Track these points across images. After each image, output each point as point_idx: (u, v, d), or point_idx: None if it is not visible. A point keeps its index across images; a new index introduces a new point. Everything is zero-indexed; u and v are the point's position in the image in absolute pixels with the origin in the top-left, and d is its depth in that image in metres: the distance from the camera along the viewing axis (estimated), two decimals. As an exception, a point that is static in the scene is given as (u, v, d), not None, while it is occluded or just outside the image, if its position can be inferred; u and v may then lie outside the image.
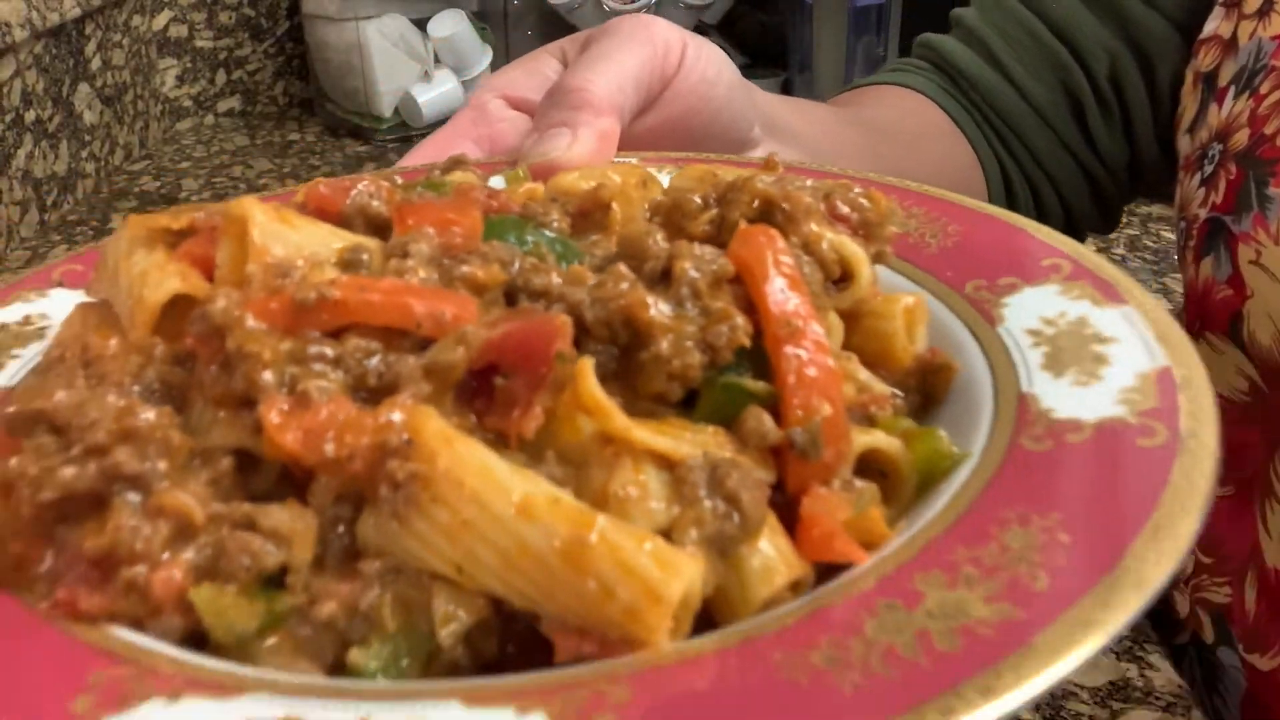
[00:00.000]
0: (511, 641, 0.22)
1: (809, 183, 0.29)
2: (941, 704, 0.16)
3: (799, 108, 0.56)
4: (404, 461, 0.21)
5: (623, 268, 0.25)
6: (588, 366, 0.22)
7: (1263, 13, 0.50)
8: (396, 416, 0.21)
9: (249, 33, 1.27)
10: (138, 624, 0.21)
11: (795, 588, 0.22)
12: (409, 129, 1.18)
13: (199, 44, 1.25)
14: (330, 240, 0.25)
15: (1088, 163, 0.63)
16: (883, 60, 1.04)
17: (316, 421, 0.21)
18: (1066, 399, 0.25)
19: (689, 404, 0.25)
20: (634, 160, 0.39)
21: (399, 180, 0.31)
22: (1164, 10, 0.58)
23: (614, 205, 0.29)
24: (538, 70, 0.44)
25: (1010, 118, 0.63)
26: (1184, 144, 0.54)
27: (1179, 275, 0.84)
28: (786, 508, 0.24)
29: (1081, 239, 0.68)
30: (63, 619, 0.20)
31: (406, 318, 0.23)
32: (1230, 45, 0.52)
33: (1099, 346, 0.26)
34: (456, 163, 0.34)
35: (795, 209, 0.27)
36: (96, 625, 0.20)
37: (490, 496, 0.21)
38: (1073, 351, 0.26)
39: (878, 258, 0.30)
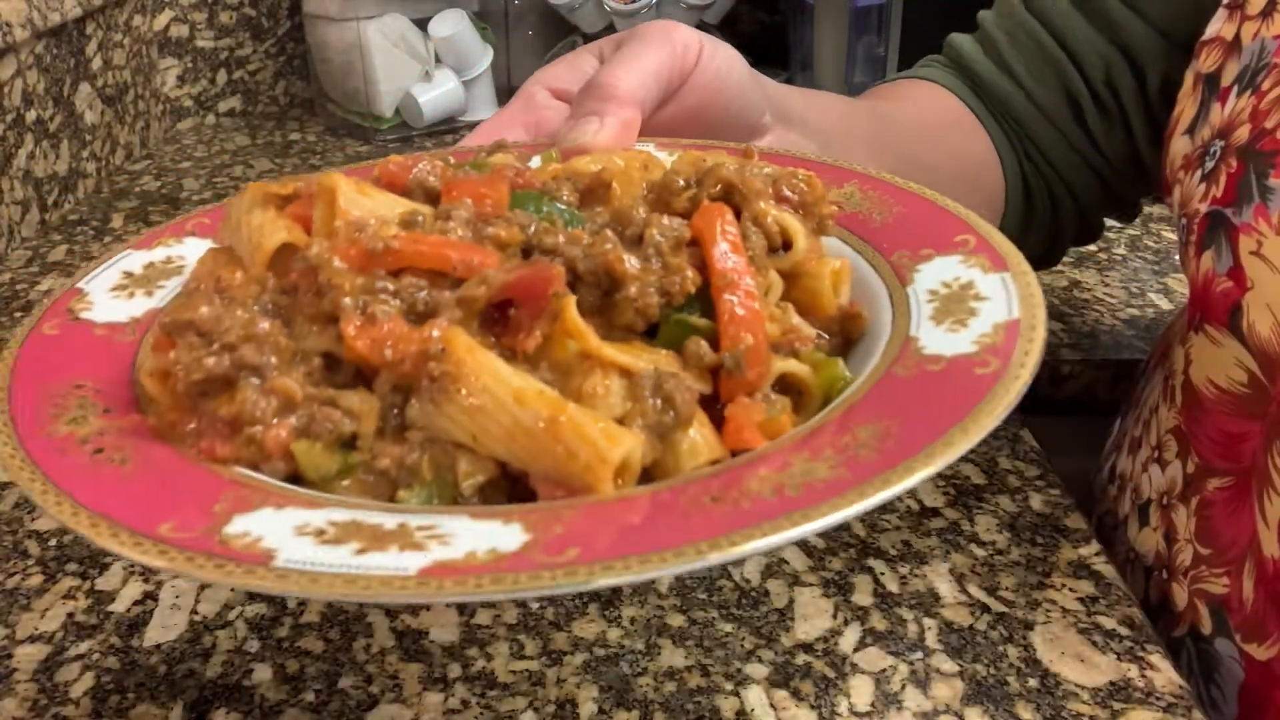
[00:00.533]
0: (516, 499, 0.31)
1: (766, 170, 0.37)
2: (774, 524, 0.25)
3: (812, 98, 0.62)
4: (439, 364, 0.30)
5: (608, 232, 0.33)
6: (571, 303, 0.31)
7: (1266, 13, 0.52)
8: (435, 333, 0.30)
9: (250, 33, 1.26)
10: (254, 466, 0.30)
11: (715, 465, 0.30)
12: (410, 129, 1.17)
13: (200, 44, 1.24)
14: (395, 206, 0.34)
15: (1095, 162, 0.67)
16: (883, 60, 1.05)
17: (380, 334, 0.30)
18: (938, 340, 0.33)
19: (652, 334, 0.33)
20: (651, 145, 0.47)
21: (452, 160, 0.40)
22: (1150, 19, 0.62)
23: (614, 184, 0.38)
24: (578, 66, 0.52)
25: (1018, 118, 0.67)
26: (1183, 145, 0.56)
27: (1181, 275, 0.86)
28: (721, 412, 0.32)
29: (1099, 228, 0.73)
30: (204, 461, 0.30)
31: (445, 264, 0.32)
32: (1233, 46, 0.53)
33: (975, 303, 0.34)
34: (499, 146, 0.43)
35: (748, 191, 0.36)
36: (227, 466, 0.30)
37: (497, 389, 0.29)
38: (955, 306, 0.34)
39: (819, 228, 0.38)
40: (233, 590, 0.48)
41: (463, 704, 0.43)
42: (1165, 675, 0.44)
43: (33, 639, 0.46)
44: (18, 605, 0.48)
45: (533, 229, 0.34)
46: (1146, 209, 0.98)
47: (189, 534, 0.26)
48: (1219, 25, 0.55)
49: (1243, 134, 0.50)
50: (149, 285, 0.39)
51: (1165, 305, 0.83)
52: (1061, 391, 0.77)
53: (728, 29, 1.33)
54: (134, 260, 0.40)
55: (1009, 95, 0.67)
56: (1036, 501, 0.55)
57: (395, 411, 0.31)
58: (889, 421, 0.29)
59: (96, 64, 1.03)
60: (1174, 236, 0.93)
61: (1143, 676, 0.44)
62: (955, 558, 0.51)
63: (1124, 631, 0.46)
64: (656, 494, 0.28)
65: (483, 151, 0.42)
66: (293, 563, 0.24)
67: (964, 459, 0.58)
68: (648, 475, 0.30)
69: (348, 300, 0.31)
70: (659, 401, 0.30)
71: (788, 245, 0.36)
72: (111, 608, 0.48)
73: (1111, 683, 0.43)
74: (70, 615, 0.48)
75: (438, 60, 1.17)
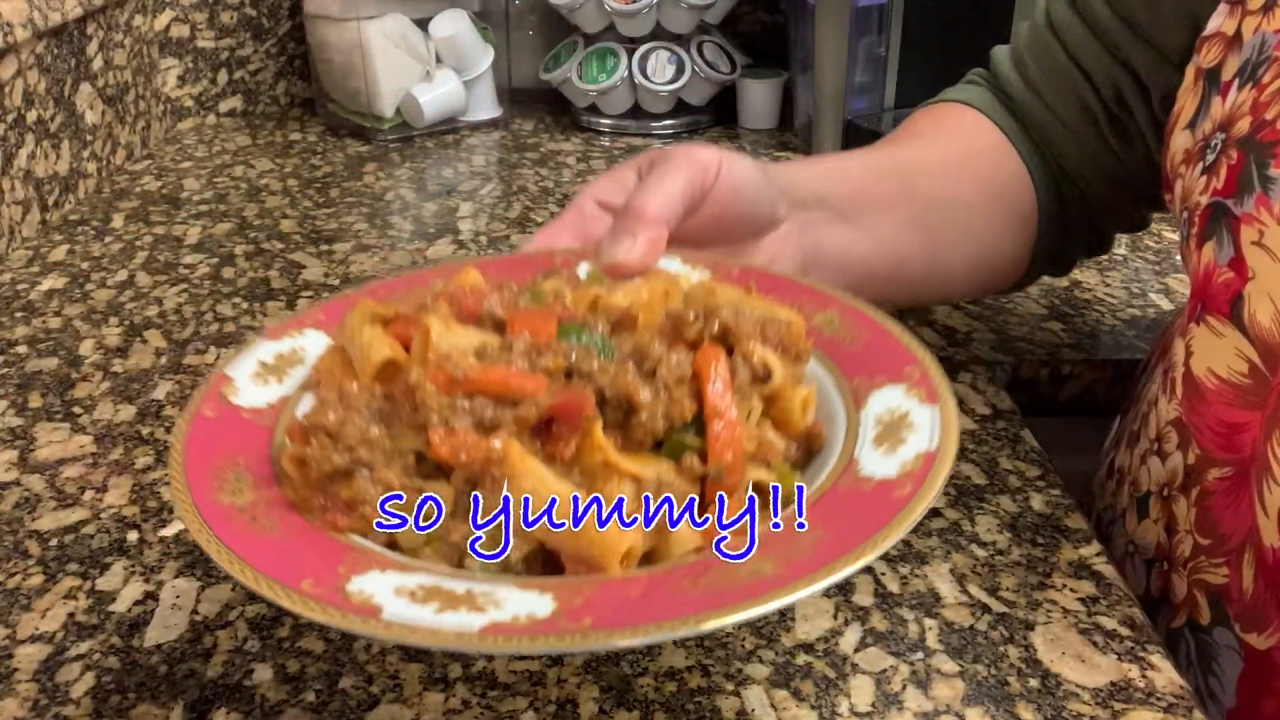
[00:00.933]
0: (549, 566, 0.42)
1: (756, 313, 0.48)
2: (732, 609, 0.35)
3: (825, 169, 0.67)
4: (499, 467, 0.41)
5: (630, 365, 0.44)
6: (598, 425, 0.41)
7: (1267, 8, 0.52)
8: (497, 443, 0.41)
9: (250, 33, 1.28)
10: (364, 535, 0.41)
11: (698, 551, 0.41)
12: (410, 129, 1.20)
13: (200, 44, 1.26)
14: (472, 339, 0.45)
15: (1118, 172, 0.70)
16: (883, 60, 1.07)
17: (457, 442, 0.41)
18: (873, 463, 0.43)
19: (658, 447, 0.44)
20: (678, 259, 0.58)
21: (515, 286, 0.51)
22: (1152, 42, 0.64)
23: (640, 316, 0.49)
24: (620, 181, 0.61)
25: (1044, 131, 0.71)
26: (1183, 139, 0.56)
27: (1182, 275, 0.89)
28: (703, 510, 0.43)
29: (1144, 219, 0.76)
30: (329, 529, 0.41)
31: (508, 390, 0.43)
32: (1234, 41, 0.54)
33: (906, 432, 0.44)
34: (552, 271, 0.54)
35: (740, 334, 0.46)
36: (345, 535, 0.41)
37: (540, 489, 0.40)
38: (891, 433, 0.44)
39: (797, 358, 0.48)
40: (234, 589, 0.52)
41: (463, 704, 0.44)
42: (1166, 675, 0.44)
43: (33, 639, 0.47)
44: (18, 605, 0.49)
45: (574, 357, 0.45)
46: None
47: (323, 589, 0.37)
48: (1220, 21, 0.56)
49: (1243, 126, 0.51)
50: (280, 374, 0.50)
51: (1166, 305, 0.83)
52: (1062, 391, 0.77)
53: (728, 29, 1.33)
54: (266, 350, 0.52)
55: (1035, 111, 0.71)
56: (1037, 502, 0.56)
57: (465, 498, 0.42)
58: (824, 529, 0.39)
59: (97, 64, 1.04)
60: (1175, 236, 0.94)
61: (1143, 677, 0.44)
62: (956, 558, 0.52)
63: (1125, 632, 0.47)
64: (652, 575, 0.39)
65: (540, 275, 0.53)
66: (395, 617, 0.36)
67: (965, 460, 0.61)
68: (648, 558, 0.41)
69: (435, 415, 0.42)
70: (658, 504, 0.41)
71: (768, 376, 0.47)
72: (112, 608, 0.49)
73: (1112, 683, 0.44)
74: (71, 615, 0.48)
75: (438, 60, 1.18)
